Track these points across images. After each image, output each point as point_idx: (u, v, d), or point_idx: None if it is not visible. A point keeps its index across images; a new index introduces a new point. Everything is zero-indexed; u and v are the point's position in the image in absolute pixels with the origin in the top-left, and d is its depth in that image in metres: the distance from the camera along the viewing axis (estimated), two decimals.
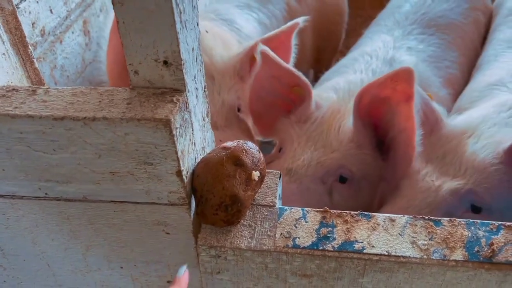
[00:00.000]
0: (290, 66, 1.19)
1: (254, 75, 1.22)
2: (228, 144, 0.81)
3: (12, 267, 0.97)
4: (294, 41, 1.34)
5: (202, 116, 0.87)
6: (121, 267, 0.94)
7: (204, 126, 0.89)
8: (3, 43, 0.97)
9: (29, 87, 0.75)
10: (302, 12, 1.90)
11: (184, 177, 0.76)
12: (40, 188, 0.80)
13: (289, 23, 1.32)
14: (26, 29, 1.21)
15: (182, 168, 0.74)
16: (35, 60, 1.02)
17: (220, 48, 1.38)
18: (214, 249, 0.79)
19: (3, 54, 0.93)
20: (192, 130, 0.79)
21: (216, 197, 0.77)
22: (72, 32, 1.66)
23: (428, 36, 1.46)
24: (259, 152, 0.82)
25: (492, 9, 1.86)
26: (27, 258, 0.95)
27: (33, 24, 1.35)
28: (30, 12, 1.32)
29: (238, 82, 1.38)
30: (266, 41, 1.29)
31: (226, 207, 0.77)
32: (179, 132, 0.72)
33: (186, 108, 0.74)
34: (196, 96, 0.82)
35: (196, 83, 0.81)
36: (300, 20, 1.31)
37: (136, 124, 0.68)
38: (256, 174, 0.78)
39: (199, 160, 0.82)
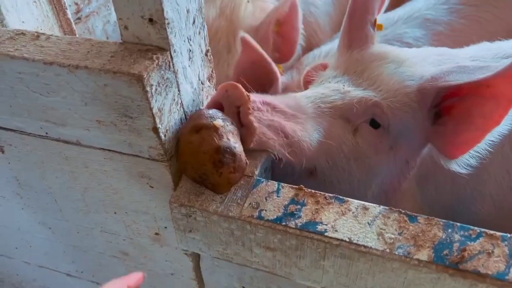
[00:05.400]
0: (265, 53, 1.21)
1: (237, 61, 1.26)
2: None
3: (27, 196, 1.08)
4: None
5: (199, 79, 0.89)
6: (115, 213, 1.00)
7: (202, 90, 0.91)
8: None
9: (35, 32, 0.81)
10: None
11: (162, 134, 0.79)
12: (41, 127, 0.87)
13: None
14: None
15: (158, 126, 0.77)
16: (68, 11, 1.09)
17: (254, 20, 1.40)
18: (184, 208, 0.81)
19: (34, 2, 1.01)
20: (179, 91, 0.81)
21: (208, 162, 0.78)
22: None
23: (469, 6, 1.37)
24: (210, 109, 0.83)
25: None
26: (38, 191, 1.04)
27: None
28: None
29: None
30: (281, 8, 1.32)
31: (221, 162, 0.77)
32: (156, 89, 0.74)
33: (169, 68, 0.76)
34: (190, 58, 0.83)
35: (191, 45, 0.82)
36: None
37: (113, 77, 0.72)
38: (218, 123, 0.78)
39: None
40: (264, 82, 1.30)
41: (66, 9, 1.09)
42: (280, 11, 1.37)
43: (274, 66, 1.24)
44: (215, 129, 0.77)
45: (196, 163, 0.77)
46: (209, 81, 0.93)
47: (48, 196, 1.05)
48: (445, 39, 1.39)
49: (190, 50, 0.82)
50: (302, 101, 0.95)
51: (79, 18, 1.58)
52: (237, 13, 1.42)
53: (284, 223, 0.76)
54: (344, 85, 0.97)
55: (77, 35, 1.17)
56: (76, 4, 1.51)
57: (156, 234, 1.00)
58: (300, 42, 1.44)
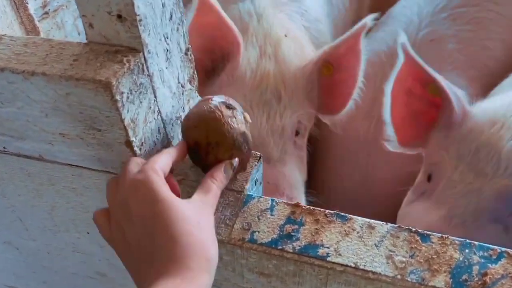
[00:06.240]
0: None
1: (192, 22, 1.04)
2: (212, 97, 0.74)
3: None
4: (362, 44, 1.11)
5: (178, 81, 0.78)
6: (88, 232, 0.90)
7: (182, 94, 0.80)
8: None
9: None
10: None
11: (136, 148, 0.68)
12: None
13: (356, 26, 1.10)
14: None
15: (132, 139, 0.66)
16: (29, 6, 0.97)
17: (298, 58, 1.19)
18: None
19: None
20: (155, 97, 0.71)
21: (228, 138, 0.69)
22: None
23: (471, 7, 1.26)
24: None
25: None
26: (0, 209, 0.93)
27: None
28: None
29: (303, 100, 1.19)
30: (335, 49, 1.12)
31: (240, 146, 0.70)
32: (128, 97, 0.63)
33: (143, 72, 0.66)
34: (167, 59, 0.73)
35: (167, 44, 0.72)
36: (369, 20, 1.10)
37: (76, 84, 0.61)
38: (247, 115, 0.73)
39: (187, 115, 0.73)
40: (224, 52, 1.13)
41: (27, 3, 0.97)
42: (333, 51, 1.11)
43: (236, 33, 1.07)
44: (242, 113, 0.72)
45: (213, 132, 0.68)
46: (190, 83, 0.83)
47: (12, 214, 0.93)
48: (458, 55, 1.25)
49: (167, 50, 0.72)
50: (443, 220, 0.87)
51: (46, 13, 1.44)
52: (282, 52, 1.17)
53: (280, 247, 0.67)
54: (471, 180, 0.86)
55: (41, 32, 1.05)
56: None
57: None
58: (355, 97, 1.14)
